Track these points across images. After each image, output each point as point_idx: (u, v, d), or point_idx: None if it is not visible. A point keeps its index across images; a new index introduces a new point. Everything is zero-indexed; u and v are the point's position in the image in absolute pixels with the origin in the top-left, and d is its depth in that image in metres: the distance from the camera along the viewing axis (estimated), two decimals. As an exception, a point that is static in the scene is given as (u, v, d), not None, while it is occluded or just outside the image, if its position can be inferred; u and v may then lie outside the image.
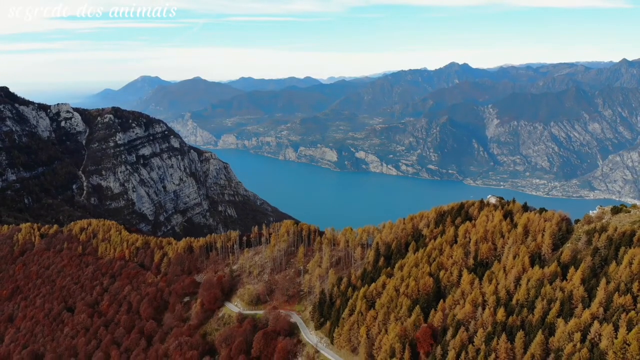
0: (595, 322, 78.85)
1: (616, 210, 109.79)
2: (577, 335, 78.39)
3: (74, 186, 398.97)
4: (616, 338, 74.13)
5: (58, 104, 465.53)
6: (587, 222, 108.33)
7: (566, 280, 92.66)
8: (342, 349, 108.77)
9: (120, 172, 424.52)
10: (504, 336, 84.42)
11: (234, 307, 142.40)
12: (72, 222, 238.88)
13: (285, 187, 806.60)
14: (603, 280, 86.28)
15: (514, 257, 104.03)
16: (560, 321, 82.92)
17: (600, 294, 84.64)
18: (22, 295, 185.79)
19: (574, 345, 77.36)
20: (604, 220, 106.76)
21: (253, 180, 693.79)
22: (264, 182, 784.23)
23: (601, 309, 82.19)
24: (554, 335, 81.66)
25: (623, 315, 77.17)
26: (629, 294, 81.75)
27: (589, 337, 77.83)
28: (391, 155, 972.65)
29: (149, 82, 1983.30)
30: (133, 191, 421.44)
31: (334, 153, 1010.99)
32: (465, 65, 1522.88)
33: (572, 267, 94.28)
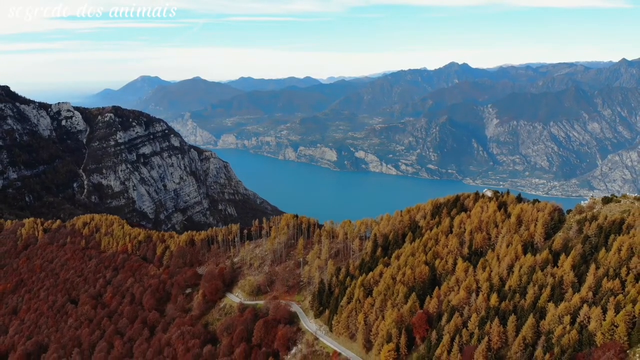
0: (585, 305, 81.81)
1: (607, 200, 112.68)
2: (567, 318, 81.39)
3: (74, 184, 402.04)
4: (604, 320, 77.11)
5: (59, 103, 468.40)
6: (579, 212, 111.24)
7: (557, 266, 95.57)
8: (340, 336, 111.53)
9: (121, 170, 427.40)
10: (496, 320, 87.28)
11: (235, 298, 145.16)
12: (75, 217, 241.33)
13: (285, 186, 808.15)
14: (593, 266, 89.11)
15: (508, 246, 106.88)
16: (550, 305, 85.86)
17: (589, 279, 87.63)
18: (26, 288, 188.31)
19: (564, 328, 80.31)
20: (594, 210, 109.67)
21: (253, 180, 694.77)
22: (263, 181, 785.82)
23: (590, 293, 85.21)
24: (544, 319, 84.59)
25: (611, 299, 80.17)
26: (617, 279, 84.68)
27: (578, 319, 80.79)
28: (391, 155, 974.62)
29: (148, 82, 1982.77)
30: (133, 190, 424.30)
31: (334, 153, 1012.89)
32: (465, 65, 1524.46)
33: (563, 254, 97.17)
